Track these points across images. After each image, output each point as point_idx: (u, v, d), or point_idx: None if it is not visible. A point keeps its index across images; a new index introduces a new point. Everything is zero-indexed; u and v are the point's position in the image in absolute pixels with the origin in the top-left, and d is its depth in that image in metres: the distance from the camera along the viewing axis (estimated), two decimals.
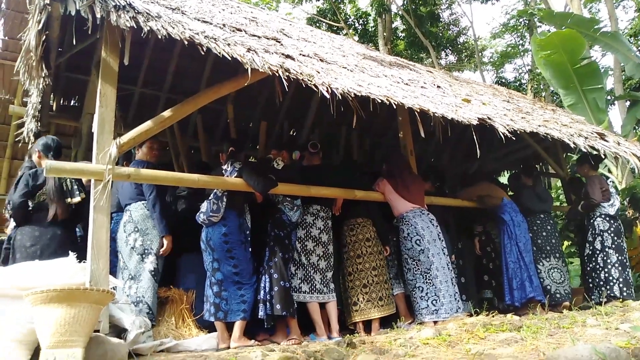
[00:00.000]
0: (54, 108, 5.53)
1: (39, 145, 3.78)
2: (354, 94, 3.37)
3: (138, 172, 3.41)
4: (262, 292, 3.84)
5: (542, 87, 17.06)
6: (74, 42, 3.81)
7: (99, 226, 3.17)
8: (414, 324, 4.52)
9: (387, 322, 4.43)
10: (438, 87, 5.29)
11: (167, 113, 3.66)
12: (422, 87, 4.89)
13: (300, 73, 3.21)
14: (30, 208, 3.57)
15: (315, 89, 3.20)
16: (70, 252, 3.44)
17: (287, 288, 3.87)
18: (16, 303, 2.79)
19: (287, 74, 3.13)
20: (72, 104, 5.73)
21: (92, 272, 3.06)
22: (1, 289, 2.80)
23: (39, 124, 4.79)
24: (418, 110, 3.78)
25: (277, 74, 3.10)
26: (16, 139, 5.21)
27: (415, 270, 4.41)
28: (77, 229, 3.96)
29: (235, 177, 3.87)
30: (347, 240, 4.51)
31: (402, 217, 4.55)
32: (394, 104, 3.62)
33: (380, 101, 3.51)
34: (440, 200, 5.00)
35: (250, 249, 3.92)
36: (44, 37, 3.58)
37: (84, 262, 3.20)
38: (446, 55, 21.24)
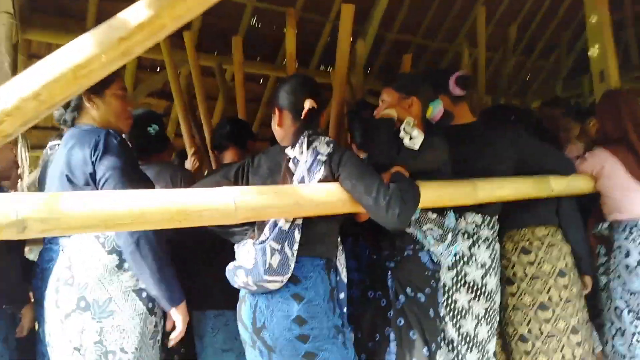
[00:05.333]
0: None
1: None
2: None
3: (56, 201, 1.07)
4: None
5: None
6: None
7: None
8: None
9: None
10: None
11: None
12: None
13: None
14: None
15: None
16: None
17: None
18: None
19: None
20: None
21: None
22: None
23: None
24: None
25: None
26: None
27: (636, 331, 2.26)
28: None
29: (322, 178, 1.55)
30: (514, 272, 2.28)
31: (635, 226, 2.29)
32: None
33: None
34: None
35: (352, 334, 1.73)
36: None
37: None
38: None
